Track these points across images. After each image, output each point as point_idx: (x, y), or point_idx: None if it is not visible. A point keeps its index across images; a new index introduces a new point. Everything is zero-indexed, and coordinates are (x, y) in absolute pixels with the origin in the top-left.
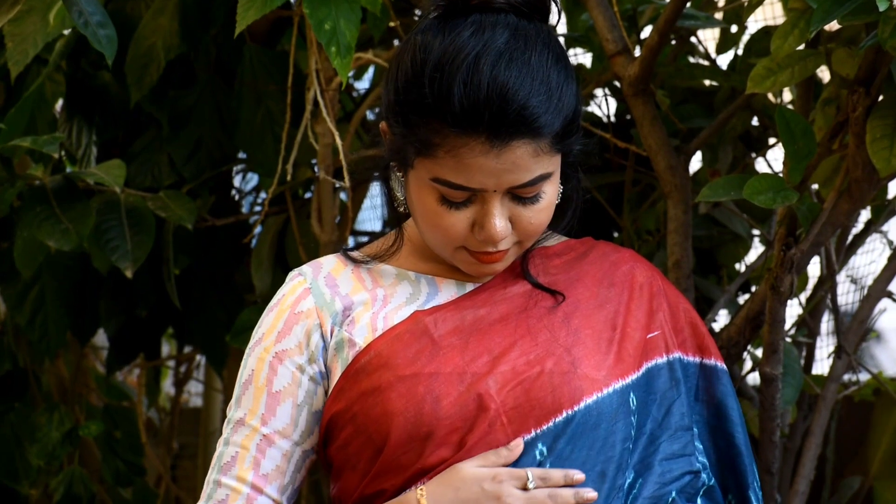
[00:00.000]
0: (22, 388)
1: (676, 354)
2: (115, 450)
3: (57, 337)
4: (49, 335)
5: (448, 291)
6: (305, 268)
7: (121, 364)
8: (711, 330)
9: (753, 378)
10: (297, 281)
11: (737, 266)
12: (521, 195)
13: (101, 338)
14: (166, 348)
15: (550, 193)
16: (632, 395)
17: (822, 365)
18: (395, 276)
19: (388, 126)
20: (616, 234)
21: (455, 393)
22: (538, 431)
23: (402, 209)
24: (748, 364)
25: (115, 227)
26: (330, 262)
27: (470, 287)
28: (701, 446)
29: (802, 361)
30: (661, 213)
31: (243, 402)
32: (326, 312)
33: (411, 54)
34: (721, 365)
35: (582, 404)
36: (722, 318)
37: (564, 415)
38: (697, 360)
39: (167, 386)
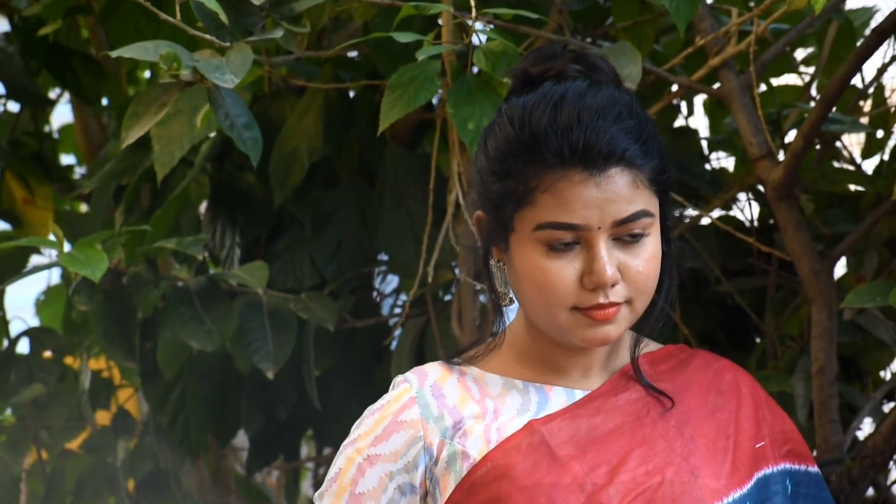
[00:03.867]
0: (163, 489)
1: (783, 465)
2: None
3: (198, 437)
4: (191, 435)
5: (558, 400)
6: (411, 375)
7: (261, 465)
8: (855, 438)
9: None
10: (403, 388)
11: (882, 373)
12: (624, 233)
13: (240, 438)
14: (305, 450)
15: (653, 243)
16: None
17: None
18: (503, 385)
19: (482, 206)
20: (758, 340)
21: (576, 503)
22: None
23: (505, 302)
24: (894, 473)
25: (257, 328)
26: (435, 371)
27: (580, 394)
28: None
29: None
30: (805, 318)
31: (325, 499)
32: (433, 425)
33: (497, 122)
34: (818, 471)
35: None
36: (866, 427)
37: None
38: (803, 468)
39: (306, 488)
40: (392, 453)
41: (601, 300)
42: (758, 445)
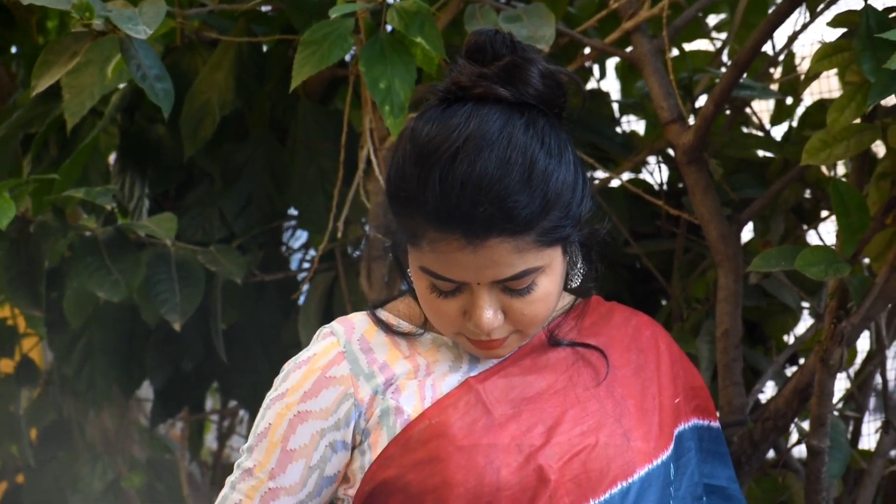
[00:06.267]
0: (66, 438)
1: (693, 420)
2: (156, 502)
3: (103, 388)
4: (95, 386)
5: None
6: (337, 326)
7: (165, 417)
8: (758, 401)
9: (800, 451)
10: (330, 342)
11: (785, 338)
12: (509, 287)
13: (144, 390)
14: (210, 402)
15: (546, 284)
16: (672, 465)
17: (868, 440)
18: (432, 341)
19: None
20: (664, 302)
21: (514, 464)
22: (596, 502)
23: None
24: (794, 436)
25: (164, 280)
26: (362, 323)
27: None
28: None
29: (849, 436)
30: (711, 281)
31: (255, 454)
32: (363, 381)
33: (404, 143)
34: (719, 426)
35: (636, 476)
36: (769, 390)
37: (619, 486)
38: (706, 422)
39: (210, 440)
40: (322, 410)
41: (483, 338)
42: (676, 401)
